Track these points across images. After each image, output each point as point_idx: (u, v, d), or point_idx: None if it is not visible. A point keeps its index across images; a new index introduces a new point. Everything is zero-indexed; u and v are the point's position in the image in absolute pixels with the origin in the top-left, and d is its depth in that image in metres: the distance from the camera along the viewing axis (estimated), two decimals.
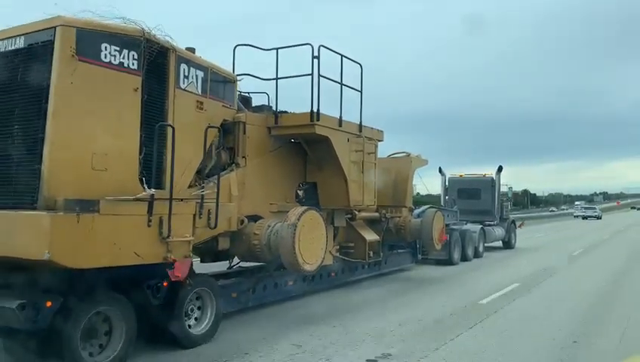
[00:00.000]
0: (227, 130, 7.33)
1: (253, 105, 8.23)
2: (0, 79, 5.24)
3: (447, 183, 19.91)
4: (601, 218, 55.80)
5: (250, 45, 8.07)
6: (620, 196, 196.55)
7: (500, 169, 19.67)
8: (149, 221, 5.11)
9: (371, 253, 10.15)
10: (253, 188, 7.53)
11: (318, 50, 7.56)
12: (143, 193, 5.11)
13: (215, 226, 6.06)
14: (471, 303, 8.97)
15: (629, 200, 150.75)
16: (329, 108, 8.12)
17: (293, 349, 6.09)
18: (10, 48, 5.26)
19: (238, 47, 8.02)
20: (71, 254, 4.44)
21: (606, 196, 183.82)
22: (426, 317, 7.90)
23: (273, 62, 7.92)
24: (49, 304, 4.57)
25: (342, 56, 8.16)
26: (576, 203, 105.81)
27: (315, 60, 7.53)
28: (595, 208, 65.78)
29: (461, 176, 20.25)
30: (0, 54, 5.30)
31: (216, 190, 6.10)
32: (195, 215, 5.74)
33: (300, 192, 8.77)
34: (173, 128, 5.50)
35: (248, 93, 8.22)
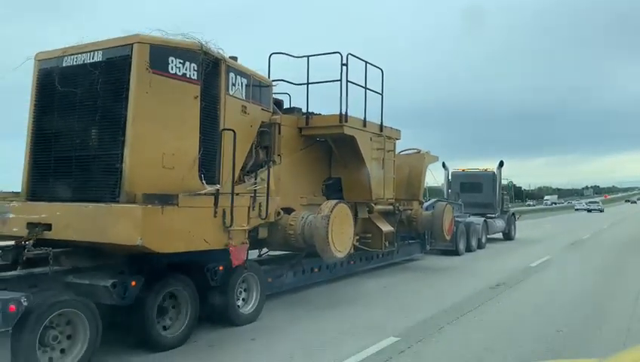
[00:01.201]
0: (264, 130, 8.09)
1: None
2: (81, 88, 5.98)
3: (449, 177, 20.72)
4: (603, 211, 60.37)
5: (283, 53, 8.80)
6: (611, 190, 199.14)
7: (501, 164, 20.49)
8: (215, 212, 5.88)
9: (387, 243, 10.96)
10: (286, 183, 8.29)
11: (347, 58, 8.33)
12: (209, 188, 5.88)
13: (266, 217, 6.85)
14: (483, 286, 9.82)
15: (618, 195, 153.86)
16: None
17: (326, 327, 6.86)
18: (88, 61, 6.00)
19: (272, 55, 8.74)
20: (157, 240, 5.20)
21: (597, 190, 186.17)
22: (445, 298, 8.73)
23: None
24: (134, 283, 5.34)
25: (366, 62, 8.92)
26: (546, 197, 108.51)
27: (344, 67, 8.30)
28: (598, 202, 72.04)
29: (463, 170, 21.06)
30: (80, 66, 6.04)
31: (266, 185, 6.88)
32: (249, 207, 6.51)
33: (325, 187, 9.55)
34: (234, 132, 6.25)
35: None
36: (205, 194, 5.83)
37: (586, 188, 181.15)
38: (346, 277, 10.55)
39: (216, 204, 5.88)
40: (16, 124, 6.82)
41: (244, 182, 7.28)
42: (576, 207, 69.28)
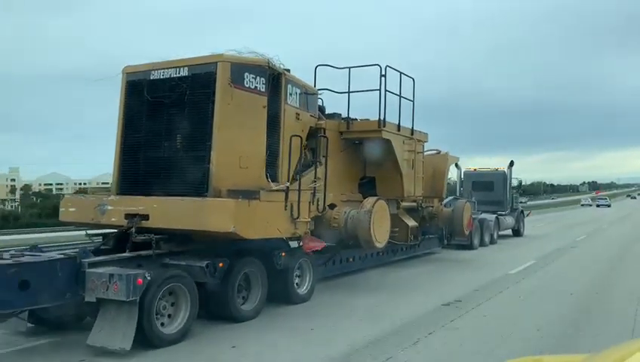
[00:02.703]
0: (311, 134, 9.09)
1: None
2: (169, 98, 7.00)
3: (462, 176, 21.70)
4: (610, 206, 64.32)
5: (327, 65, 9.79)
6: (610, 186, 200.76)
7: (511, 163, 21.48)
8: (286, 206, 6.91)
9: (412, 236, 11.94)
10: (329, 181, 9.29)
11: (385, 69, 9.33)
12: (274, 185, 6.91)
13: (323, 210, 7.87)
14: (500, 275, 10.87)
15: (614, 191, 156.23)
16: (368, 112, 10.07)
17: (366, 308, 7.87)
18: (175, 75, 7.02)
19: (318, 66, 9.75)
20: (244, 228, 6.22)
21: (595, 186, 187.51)
22: (466, 286, 9.77)
23: None
24: (221, 265, 6.36)
25: (400, 73, 9.91)
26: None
27: (382, 78, 9.29)
28: (606, 198, 76.20)
29: (475, 169, 22.04)
30: (167, 79, 7.05)
31: (323, 183, 7.90)
32: (310, 202, 7.53)
33: (360, 185, 10.55)
34: (301, 138, 7.27)
35: None
36: (278, 190, 6.85)
37: (583, 184, 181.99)
38: (374, 268, 11.56)
39: (286, 198, 6.91)
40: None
41: (296, 180, 8.29)
42: (582, 203, 72.49)
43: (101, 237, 6.98)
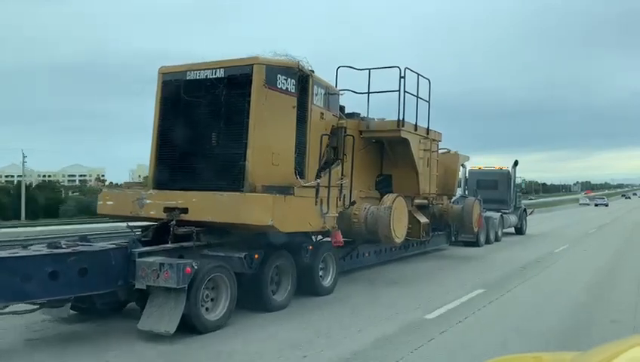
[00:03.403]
0: (332, 133, 9.46)
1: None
2: (205, 98, 7.36)
3: (467, 174, 22.11)
4: (608, 205, 66.73)
5: (349, 67, 10.16)
6: (604, 186, 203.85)
7: (515, 163, 21.91)
8: (316, 201, 7.29)
9: (424, 233, 12.34)
10: (349, 178, 9.67)
11: (404, 71, 9.71)
12: (312, 182, 7.29)
13: (349, 206, 8.25)
14: (511, 269, 11.31)
15: (605, 191, 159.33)
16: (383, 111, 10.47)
17: (388, 298, 8.30)
18: (211, 76, 7.37)
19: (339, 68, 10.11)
20: (281, 222, 6.60)
21: (588, 186, 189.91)
22: (491, 274, 10.41)
23: None
24: (257, 256, 6.74)
25: (418, 74, 10.28)
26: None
27: (402, 80, 9.67)
28: (604, 198, 79.13)
29: (480, 168, 22.45)
30: (203, 80, 7.41)
31: (349, 180, 8.28)
32: (337, 198, 7.92)
33: (377, 182, 10.94)
34: (329, 136, 7.64)
35: None
36: (310, 186, 7.23)
37: (575, 184, 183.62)
38: (388, 263, 11.96)
39: (317, 194, 7.29)
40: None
41: (320, 177, 8.67)
42: (580, 202, 75.20)
43: (140, 229, 7.34)
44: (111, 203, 7.70)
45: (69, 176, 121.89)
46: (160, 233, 6.97)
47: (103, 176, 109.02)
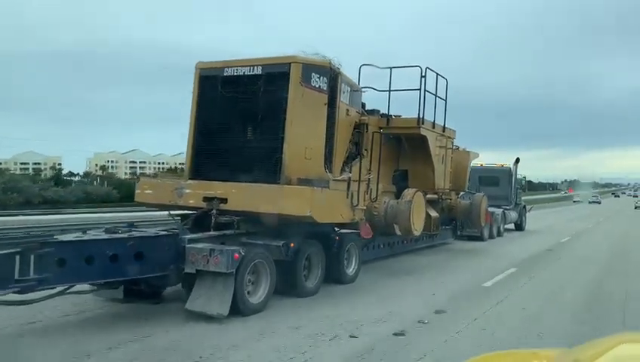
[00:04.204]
0: (355, 129, 9.84)
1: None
2: (242, 93, 7.72)
3: (469, 171, 22.56)
4: (600, 203, 72.69)
5: (371, 65, 10.53)
6: (593, 185, 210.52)
7: (517, 160, 22.40)
8: (347, 194, 7.69)
9: (434, 227, 12.78)
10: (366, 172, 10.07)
11: (425, 71, 10.08)
12: (344, 176, 7.68)
13: (375, 200, 8.66)
14: (520, 259, 11.88)
15: (591, 190, 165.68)
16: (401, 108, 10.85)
17: (399, 285, 8.79)
18: (249, 73, 7.73)
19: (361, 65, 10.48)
20: (318, 213, 7.00)
21: (576, 184, 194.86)
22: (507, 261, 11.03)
23: None
24: (292, 245, 7.15)
25: (437, 74, 10.67)
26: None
27: (423, 79, 10.05)
28: (597, 196, 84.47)
29: (482, 165, 22.92)
30: (241, 76, 7.77)
31: (376, 175, 8.69)
32: (365, 191, 8.32)
33: (393, 177, 11.34)
34: (353, 132, 8.03)
35: None
36: (342, 180, 7.63)
37: (563, 182, 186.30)
38: (400, 255, 12.42)
39: (348, 187, 7.69)
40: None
41: (344, 171, 9.06)
42: (574, 199, 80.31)
43: (180, 217, 7.71)
44: (149, 191, 8.06)
45: (21, 163, 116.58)
46: (199, 221, 7.36)
47: (59, 164, 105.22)
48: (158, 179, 8.58)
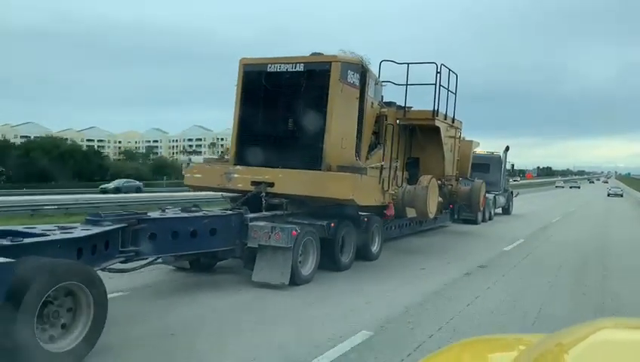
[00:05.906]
0: (376, 120, 10.75)
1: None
2: (286, 88, 8.56)
3: None
4: (580, 187, 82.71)
5: (390, 61, 11.41)
6: (566, 172, 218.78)
7: (507, 148, 23.63)
8: (380, 180, 8.64)
9: (438, 211, 13.88)
10: (387, 161, 11.03)
11: (440, 67, 11.03)
12: (377, 163, 8.63)
13: (401, 185, 9.63)
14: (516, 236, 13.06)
15: (565, 177, 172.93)
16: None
17: (416, 265, 9.82)
18: (292, 70, 8.57)
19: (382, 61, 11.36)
20: (358, 197, 7.95)
21: (549, 172, 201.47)
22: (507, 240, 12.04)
23: None
24: (333, 225, 8.09)
25: (449, 70, 11.62)
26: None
27: (438, 75, 11.00)
28: (577, 182, 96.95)
29: (474, 152, 24.10)
30: (284, 72, 8.60)
31: (402, 164, 9.64)
32: (392, 177, 9.29)
33: (406, 164, 12.32)
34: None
35: None
36: (375, 167, 8.58)
37: (536, 169, 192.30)
38: (407, 236, 13.47)
39: (381, 174, 8.65)
40: None
41: (368, 159, 10.00)
42: (556, 185, 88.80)
43: (229, 199, 8.57)
44: (199, 175, 8.89)
45: None
46: (247, 203, 8.23)
47: None
48: (207, 165, 9.39)
